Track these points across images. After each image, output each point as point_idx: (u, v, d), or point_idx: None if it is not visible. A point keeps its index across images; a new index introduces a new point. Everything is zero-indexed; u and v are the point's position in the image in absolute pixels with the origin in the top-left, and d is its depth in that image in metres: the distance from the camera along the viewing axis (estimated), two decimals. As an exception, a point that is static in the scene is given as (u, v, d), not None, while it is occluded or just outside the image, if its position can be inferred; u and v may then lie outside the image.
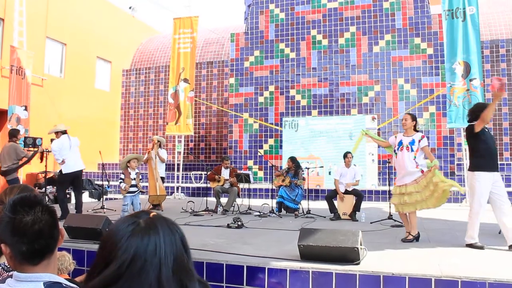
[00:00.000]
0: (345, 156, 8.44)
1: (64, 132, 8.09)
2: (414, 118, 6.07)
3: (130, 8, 20.57)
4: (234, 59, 14.74)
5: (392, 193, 5.92)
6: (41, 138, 10.17)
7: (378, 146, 12.47)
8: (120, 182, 7.50)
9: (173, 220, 1.11)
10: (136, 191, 7.20)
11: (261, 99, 14.33)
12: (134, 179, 7.25)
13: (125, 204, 7.14)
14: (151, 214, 1.07)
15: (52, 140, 8.76)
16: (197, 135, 16.38)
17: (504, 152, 13.28)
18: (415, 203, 5.64)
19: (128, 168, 7.32)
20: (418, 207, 5.68)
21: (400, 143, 5.88)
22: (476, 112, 5.32)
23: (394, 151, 5.93)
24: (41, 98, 14.60)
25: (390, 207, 7.82)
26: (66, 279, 1.43)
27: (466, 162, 10.83)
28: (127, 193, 7.18)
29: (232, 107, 14.57)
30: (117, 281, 0.96)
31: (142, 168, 11.77)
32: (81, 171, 8.22)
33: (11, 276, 1.38)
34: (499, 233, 6.08)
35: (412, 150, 5.81)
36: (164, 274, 0.98)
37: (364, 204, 8.31)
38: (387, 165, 9.41)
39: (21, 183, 7.71)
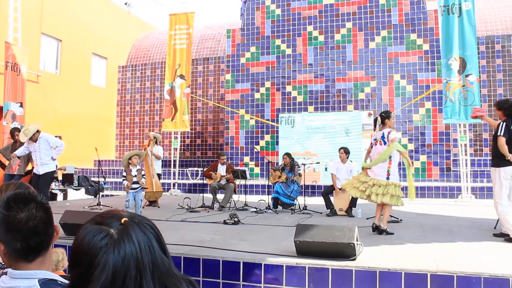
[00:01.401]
0: (338, 151, 8.58)
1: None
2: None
3: (125, 4, 20.47)
4: (230, 55, 14.72)
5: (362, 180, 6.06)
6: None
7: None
8: (123, 180, 7.47)
9: (149, 219, 1.08)
10: (138, 187, 7.17)
11: (257, 95, 14.31)
12: (135, 176, 7.21)
13: (126, 200, 7.13)
14: (122, 220, 1.01)
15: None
16: (193, 131, 16.36)
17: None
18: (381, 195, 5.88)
19: (130, 165, 7.28)
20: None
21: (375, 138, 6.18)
22: None
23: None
24: (37, 95, 14.54)
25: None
26: (61, 275, 1.43)
27: (462, 158, 10.89)
28: (130, 188, 7.16)
29: (228, 104, 14.56)
30: None
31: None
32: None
33: (5, 273, 1.37)
34: (495, 228, 6.12)
35: (384, 144, 6.03)
36: (144, 285, 0.94)
37: (360, 200, 8.31)
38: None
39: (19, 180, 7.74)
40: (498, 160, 5.38)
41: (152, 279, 0.95)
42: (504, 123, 5.42)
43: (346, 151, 8.50)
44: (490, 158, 5.64)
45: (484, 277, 3.56)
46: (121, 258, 0.94)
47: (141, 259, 0.95)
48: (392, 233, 5.74)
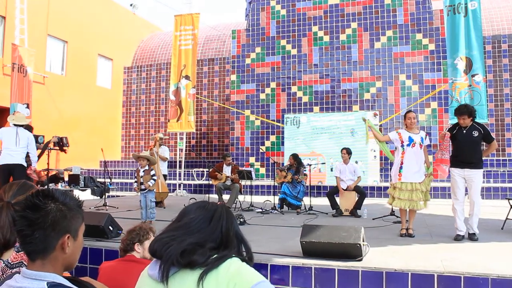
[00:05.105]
0: (340, 152, 8.54)
1: (20, 126, 7.70)
2: None
3: (131, 5, 20.56)
4: (236, 56, 14.73)
5: (399, 188, 5.83)
6: (43, 136, 10.17)
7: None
8: (135, 181, 7.42)
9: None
10: (145, 189, 7.12)
11: (262, 96, 14.32)
12: (142, 177, 7.16)
13: (139, 201, 7.14)
14: (219, 203, 1.70)
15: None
16: (198, 132, 16.39)
17: (506, 148, 13.25)
18: (416, 201, 5.78)
19: (139, 166, 7.26)
20: (418, 206, 5.82)
21: (411, 139, 5.84)
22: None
23: (402, 146, 5.88)
24: (43, 96, 14.62)
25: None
26: (68, 277, 1.42)
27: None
28: (140, 190, 7.13)
29: (234, 104, 14.57)
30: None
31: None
32: (18, 165, 7.55)
33: (18, 272, 1.38)
34: (502, 228, 6.09)
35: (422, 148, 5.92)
36: (224, 228, 1.59)
37: (366, 201, 8.29)
38: (388, 162, 9.40)
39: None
40: (481, 162, 5.69)
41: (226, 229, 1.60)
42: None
43: (348, 152, 8.44)
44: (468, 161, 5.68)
45: (492, 278, 3.54)
46: (223, 220, 1.61)
47: (227, 221, 1.62)
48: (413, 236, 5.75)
